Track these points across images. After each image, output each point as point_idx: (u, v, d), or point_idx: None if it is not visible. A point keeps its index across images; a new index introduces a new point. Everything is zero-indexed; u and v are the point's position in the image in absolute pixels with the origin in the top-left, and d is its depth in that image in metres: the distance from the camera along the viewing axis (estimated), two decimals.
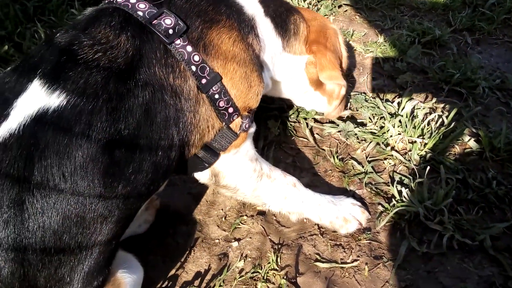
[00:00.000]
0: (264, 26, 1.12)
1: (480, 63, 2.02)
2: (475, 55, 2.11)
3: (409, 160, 1.49)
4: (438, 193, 1.29)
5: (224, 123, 1.02)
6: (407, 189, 1.35)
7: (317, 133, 1.65)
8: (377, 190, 1.42)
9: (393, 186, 1.38)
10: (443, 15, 2.45)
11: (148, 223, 1.34)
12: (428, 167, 1.39)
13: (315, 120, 1.69)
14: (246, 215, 1.37)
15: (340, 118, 1.65)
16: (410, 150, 1.51)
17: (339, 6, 2.53)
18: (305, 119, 1.67)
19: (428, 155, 1.48)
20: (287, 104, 1.71)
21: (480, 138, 1.52)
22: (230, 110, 1.00)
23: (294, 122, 1.68)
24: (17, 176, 0.75)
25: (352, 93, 1.80)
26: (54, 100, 0.80)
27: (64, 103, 0.80)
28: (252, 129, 1.13)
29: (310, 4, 2.43)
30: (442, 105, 1.74)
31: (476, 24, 2.29)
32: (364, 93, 1.82)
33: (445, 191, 1.30)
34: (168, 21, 0.92)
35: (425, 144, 1.50)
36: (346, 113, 1.69)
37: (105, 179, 0.81)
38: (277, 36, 1.16)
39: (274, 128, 1.59)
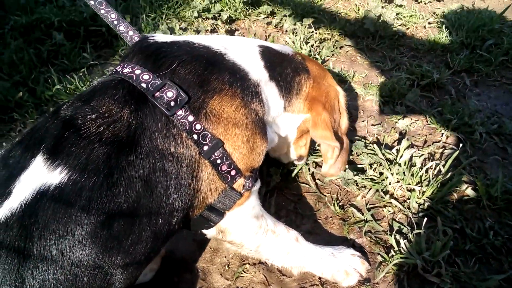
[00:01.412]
0: (269, 90, 1.17)
1: (478, 106, 2.07)
2: (473, 97, 2.16)
3: (408, 208, 1.53)
4: (436, 245, 1.32)
5: (227, 185, 1.06)
6: (406, 240, 1.38)
7: (318, 179, 1.69)
8: (377, 239, 1.46)
9: (392, 235, 1.42)
10: (442, 56, 2.52)
11: (153, 271, 1.38)
12: (426, 218, 1.42)
13: (317, 165, 1.74)
14: (248, 264, 1.41)
15: None
16: (408, 198, 1.55)
17: (341, 47, 2.61)
18: (307, 164, 1.72)
19: (427, 203, 1.52)
20: None
21: (477, 186, 1.56)
22: (233, 172, 1.05)
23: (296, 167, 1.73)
24: (18, 255, 0.79)
25: (351, 138, 1.86)
26: (55, 176, 0.84)
27: (66, 180, 0.84)
28: (256, 187, 1.17)
29: (312, 46, 2.51)
30: (440, 151, 1.78)
31: (474, 66, 2.36)
32: (365, 137, 1.87)
33: (442, 242, 1.33)
34: (170, 93, 0.96)
35: (423, 192, 1.54)
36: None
37: (103, 254, 0.85)
38: (281, 98, 1.21)
39: (276, 175, 1.64)
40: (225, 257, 1.44)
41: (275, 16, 2.87)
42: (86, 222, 0.83)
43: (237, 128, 1.03)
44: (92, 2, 1.27)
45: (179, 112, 0.96)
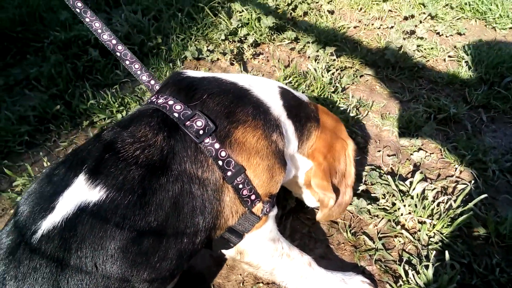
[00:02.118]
0: (287, 127, 1.26)
1: (493, 143, 2.12)
2: (489, 134, 2.22)
3: (418, 240, 1.59)
4: (443, 278, 1.38)
5: (247, 208, 1.15)
6: (414, 271, 1.44)
7: None
8: (386, 268, 1.52)
9: (401, 266, 1.48)
10: (460, 90, 2.58)
11: (172, 284, 1.46)
12: (435, 251, 1.48)
13: None
14: (262, 283, 1.48)
15: (354, 192, 1.77)
16: (419, 230, 1.61)
17: (361, 76, 2.69)
18: None
19: (437, 236, 1.58)
20: None
21: (487, 223, 1.61)
22: (253, 197, 1.13)
23: None
24: (56, 265, 0.88)
25: (367, 167, 1.93)
26: (95, 194, 0.93)
27: (104, 198, 0.93)
28: (274, 212, 1.25)
29: (333, 74, 2.60)
30: (453, 185, 1.84)
31: (491, 102, 2.41)
32: (379, 167, 1.95)
33: (450, 275, 1.39)
34: (199, 123, 1.06)
35: (434, 225, 1.60)
36: (361, 188, 1.80)
37: (132, 268, 0.93)
38: (296, 137, 1.30)
39: (292, 200, 1.72)
40: (240, 274, 1.52)
41: (299, 42, 2.98)
42: (119, 237, 0.91)
43: (259, 157, 1.13)
44: (127, 62, 1.43)
45: (207, 140, 1.05)
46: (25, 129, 2.02)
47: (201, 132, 1.05)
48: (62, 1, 2.77)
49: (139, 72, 1.46)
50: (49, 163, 1.86)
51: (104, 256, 0.91)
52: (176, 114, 1.07)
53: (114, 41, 1.46)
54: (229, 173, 1.07)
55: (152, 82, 1.44)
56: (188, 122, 1.06)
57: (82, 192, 0.94)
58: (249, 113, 1.14)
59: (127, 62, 1.46)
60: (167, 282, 1.06)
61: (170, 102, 1.10)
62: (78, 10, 1.45)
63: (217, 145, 1.06)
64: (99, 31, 1.45)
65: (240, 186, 1.10)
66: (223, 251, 1.26)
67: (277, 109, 1.24)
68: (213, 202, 1.07)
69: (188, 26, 3.03)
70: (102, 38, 1.45)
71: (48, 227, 0.90)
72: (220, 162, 1.06)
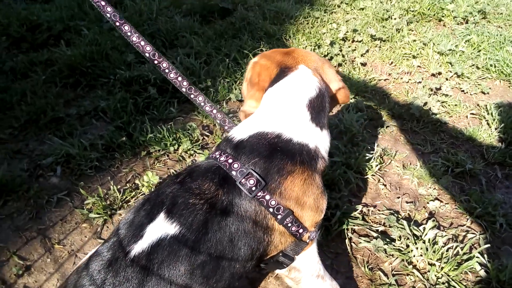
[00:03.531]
0: (322, 143, 1.47)
1: (504, 199, 2.33)
2: (502, 189, 2.43)
3: (427, 280, 1.82)
4: None
5: (296, 238, 1.39)
6: None
7: (353, 242, 2.02)
8: None
9: None
10: (479, 146, 2.80)
11: None
12: None
13: (354, 231, 2.07)
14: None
15: (371, 233, 2.02)
16: (429, 271, 1.84)
17: (387, 126, 2.97)
18: (346, 229, 2.05)
19: (444, 278, 1.80)
20: (331, 212, 2.10)
21: (489, 269, 1.82)
22: (301, 230, 1.37)
23: (335, 230, 2.07)
24: (141, 281, 1.16)
25: (386, 211, 2.18)
26: (172, 229, 1.22)
27: (178, 232, 1.21)
28: (318, 235, 1.49)
29: (362, 124, 2.89)
30: (464, 234, 2.07)
31: (507, 160, 2.62)
32: (398, 212, 2.19)
33: None
34: (252, 181, 1.30)
35: (442, 267, 1.83)
36: (380, 228, 2.06)
37: (195, 286, 1.20)
38: (326, 130, 1.52)
39: (319, 233, 1.99)
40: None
41: None
42: (187, 263, 1.20)
43: (306, 196, 1.36)
44: (192, 96, 1.74)
45: (259, 194, 1.30)
46: (95, 156, 2.39)
47: (253, 188, 1.30)
48: (123, 39, 3.21)
49: (202, 104, 1.74)
50: (115, 186, 2.20)
51: (176, 275, 1.19)
52: (234, 173, 1.33)
53: (179, 78, 1.73)
54: (279, 216, 1.32)
55: (214, 111, 1.72)
56: (244, 180, 1.31)
57: (162, 226, 1.24)
58: (297, 163, 1.37)
59: (192, 96, 1.73)
60: None
61: (229, 161, 1.36)
62: (147, 55, 1.69)
63: (267, 197, 1.31)
64: (166, 70, 1.73)
65: (289, 224, 1.34)
66: (276, 271, 1.52)
67: (313, 137, 1.44)
68: (264, 237, 1.33)
69: (233, 70, 3.40)
70: (169, 77, 1.73)
71: (139, 250, 1.20)
72: (271, 209, 1.31)
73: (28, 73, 3.18)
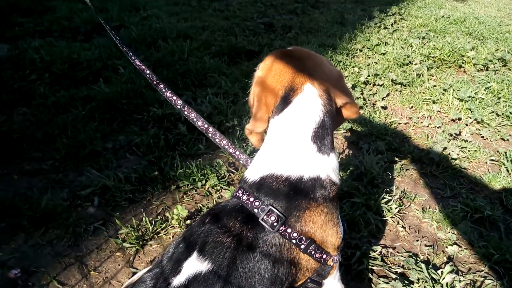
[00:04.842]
0: (331, 168, 1.53)
1: None
2: None
3: None
4: None
5: (320, 264, 1.48)
6: None
7: (372, 283, 2.09)
8: None
9: None
10: (498, 193, 2.86)
11: None
12: None
13: (373, 272, 2.14)
14: None
15: (390, 275, 2.08)
16: None
17: (407, 170, 3.06)
18: (366, 270, 2.13)
19: None
20: (350, 252, 2.18)
21: None
22: (324, 256, 1.46)
23: (355, 269, 2.14)
24: None
25: (405, 253, 2.25)
26: (204, 266, 1.34)
27: (210, 269, 1.33)
28: (340, 258, 1.57)
29: (382, 167, 2.99)
30: (481, 279, 2.11)
31: None
32: (416, 255, 2.26)
33: None
34: (273, 217, 1.41)
35: None
36: (398, 270, 2.12)
37: None
38: (333, 150, 1.57)
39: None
40: None
41: (353, 133, 3.42)
42: None
43: (324, 225, 1.46)
44: (218, 141, 1.90)
45: (281, 228, 1.41)
46: (129, 188, 2.55)
47: (275, 224, 1.41)
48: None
49: (226, 147, 1.89)
50: (147, 218, 2.35)
51: None
52: (256, 210, 1.44)
53: (206, 125, 1.92)
54: (302, 246, 1.42)
55: (237, 153, 1.87)
56: (265, 216, 1.42)
57: (196, 263, 1.36)
58: (311, 199, 1.46)
59: (217, 140, 1.89)
60: None
61: (251, 199, 1.48)
62: (178, 107, 1.92)
63: (289, 230, 1.42)
64: (195, 119, 1.91)
65: (313, 252, 1.44)
66: None
67: (322, 167, 1.51)
68: (291, 267, 1.43)
69: None
70: (197, 124, 1.91)
71: (177, 283, 1.32)
72: (293, 241, 1.42)
73: (69, 108, 3.42)
